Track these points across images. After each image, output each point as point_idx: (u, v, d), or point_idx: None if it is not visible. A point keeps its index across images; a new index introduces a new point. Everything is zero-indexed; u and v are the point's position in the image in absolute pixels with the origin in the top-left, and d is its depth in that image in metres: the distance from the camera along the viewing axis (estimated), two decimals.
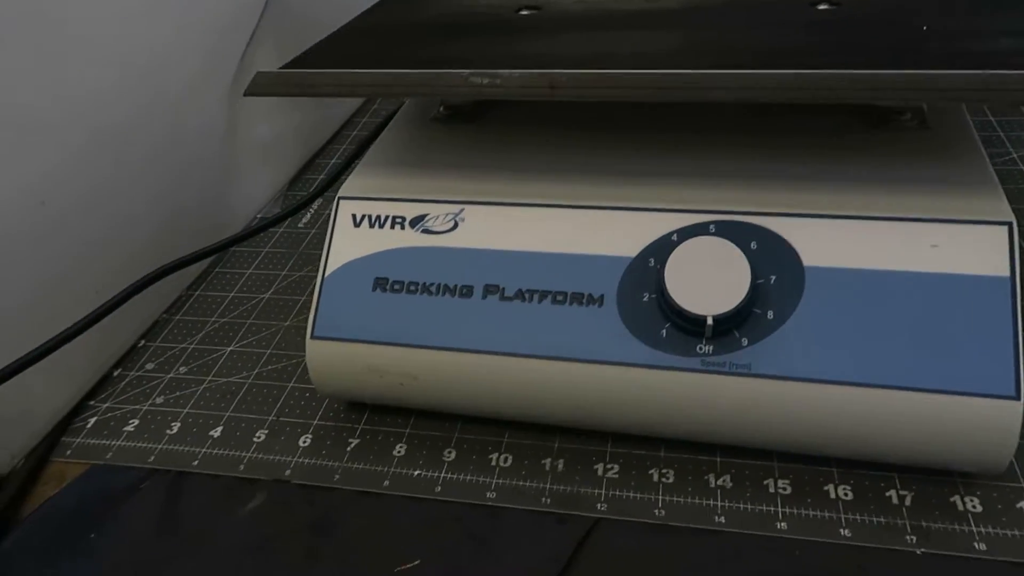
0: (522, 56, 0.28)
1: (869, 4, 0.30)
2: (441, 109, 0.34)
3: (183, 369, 0.35)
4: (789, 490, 0.26)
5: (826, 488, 0.26)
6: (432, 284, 0.28)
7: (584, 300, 0.27)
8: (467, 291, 0.28)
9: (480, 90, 0.24)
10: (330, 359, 0.29)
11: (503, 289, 0.28)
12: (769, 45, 0.28)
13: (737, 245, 0.25)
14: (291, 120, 0.46)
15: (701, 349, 0.26)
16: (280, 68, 0.27)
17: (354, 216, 0.29)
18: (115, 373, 0.35)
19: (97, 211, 0.33)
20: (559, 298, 0.27)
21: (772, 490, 0.26)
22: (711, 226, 0.26)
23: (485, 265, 0.28)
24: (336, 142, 0.51)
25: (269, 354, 0.35)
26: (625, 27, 0.30)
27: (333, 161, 0.49)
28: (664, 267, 0.25)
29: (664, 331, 0.26)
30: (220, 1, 0.39)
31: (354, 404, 0.31)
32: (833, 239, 0.25)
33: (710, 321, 0.24)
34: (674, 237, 0.27)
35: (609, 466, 0.28)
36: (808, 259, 0.25)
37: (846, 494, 0.26)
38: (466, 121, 0.34)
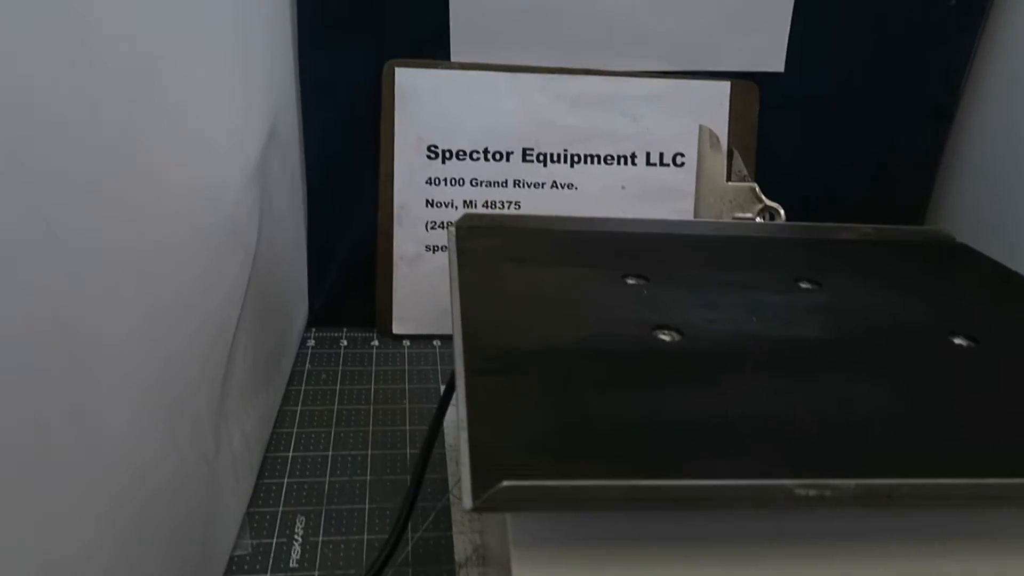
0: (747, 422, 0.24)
1: None
2: None
3: None
4: None
5: None
6: None
7: None
8: None
9: (807, 502, 0.20)
10: None
11: None
12: None
13: None
14: (251, 413, 0.36)
15: None
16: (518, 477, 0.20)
17: None
18: None
19: None
20: None
21: None
22: None
23: None
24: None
25: None
26: (806, 367, 0.28)
27: (290, 454, 0.39)
28: None
29: None
30: (213, 288, 0.30)
31: None
32: None
33: None
34: None
35: None
36: None
37: None
38: None
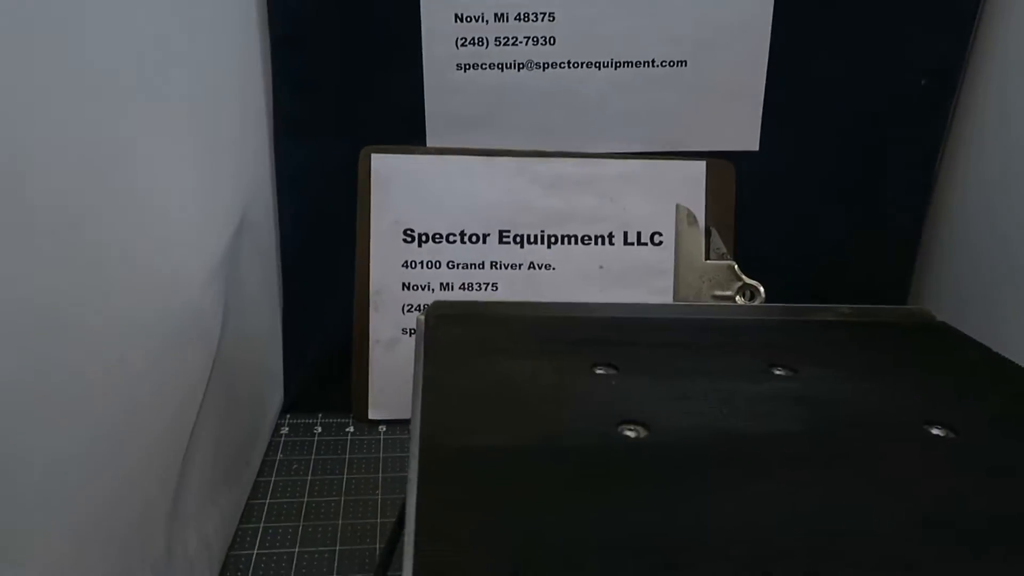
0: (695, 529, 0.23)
1: None
2: None
3: None
4: None
5: None
6: None
7: None
8: None
9: None
10: None
11: None
12: None
13: None
14: (213, 513, 0.35)
15: None
16: None
17: None
18: None
19: None
20: None
21: None
22: None
23: None
24: None
25: None
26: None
27: (255, 552, 0.37)
28: None
29: None
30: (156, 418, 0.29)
31: None
32: None
33: None
34: None
35: None
36: None
37: None
38: None
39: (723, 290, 0.50)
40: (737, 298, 0.50)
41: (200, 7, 0.35)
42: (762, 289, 0.50)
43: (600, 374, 0.32)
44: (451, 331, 0.36)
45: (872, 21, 0.48)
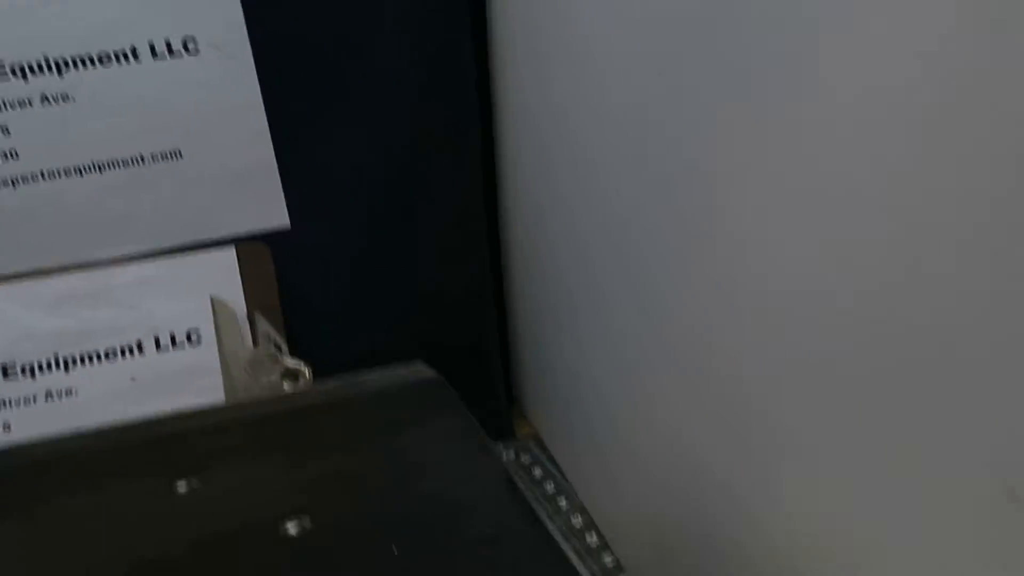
0: None
1: None
2: None
3: None
4: None
5: None
6: None
7: None
8: None
9: None
10: None
11: None
12: None
13: None
14: None
15: None
16: None
17: None
18: None
19: None
20: None
21: None
22: None
23: None
24: None
25: None
26: None
27: None
28: None
29: None
30: None
31: None
32: None
33: None
34: None
35: None
36: None
37: None
38: None
39: (270, 376, 0.48)
40: (284, 384, 0.48)
41: None
42: (307, 370, 0.48)
43: None
44: None
45: (372, 90, 0.48)
